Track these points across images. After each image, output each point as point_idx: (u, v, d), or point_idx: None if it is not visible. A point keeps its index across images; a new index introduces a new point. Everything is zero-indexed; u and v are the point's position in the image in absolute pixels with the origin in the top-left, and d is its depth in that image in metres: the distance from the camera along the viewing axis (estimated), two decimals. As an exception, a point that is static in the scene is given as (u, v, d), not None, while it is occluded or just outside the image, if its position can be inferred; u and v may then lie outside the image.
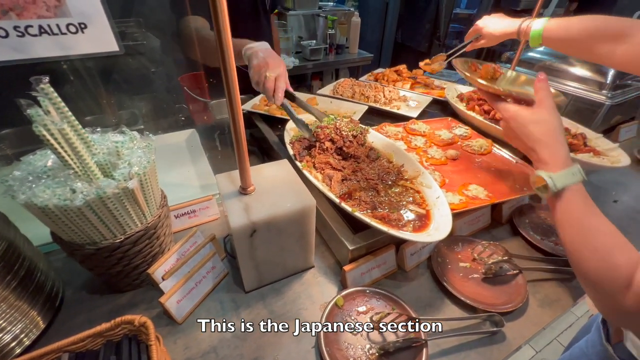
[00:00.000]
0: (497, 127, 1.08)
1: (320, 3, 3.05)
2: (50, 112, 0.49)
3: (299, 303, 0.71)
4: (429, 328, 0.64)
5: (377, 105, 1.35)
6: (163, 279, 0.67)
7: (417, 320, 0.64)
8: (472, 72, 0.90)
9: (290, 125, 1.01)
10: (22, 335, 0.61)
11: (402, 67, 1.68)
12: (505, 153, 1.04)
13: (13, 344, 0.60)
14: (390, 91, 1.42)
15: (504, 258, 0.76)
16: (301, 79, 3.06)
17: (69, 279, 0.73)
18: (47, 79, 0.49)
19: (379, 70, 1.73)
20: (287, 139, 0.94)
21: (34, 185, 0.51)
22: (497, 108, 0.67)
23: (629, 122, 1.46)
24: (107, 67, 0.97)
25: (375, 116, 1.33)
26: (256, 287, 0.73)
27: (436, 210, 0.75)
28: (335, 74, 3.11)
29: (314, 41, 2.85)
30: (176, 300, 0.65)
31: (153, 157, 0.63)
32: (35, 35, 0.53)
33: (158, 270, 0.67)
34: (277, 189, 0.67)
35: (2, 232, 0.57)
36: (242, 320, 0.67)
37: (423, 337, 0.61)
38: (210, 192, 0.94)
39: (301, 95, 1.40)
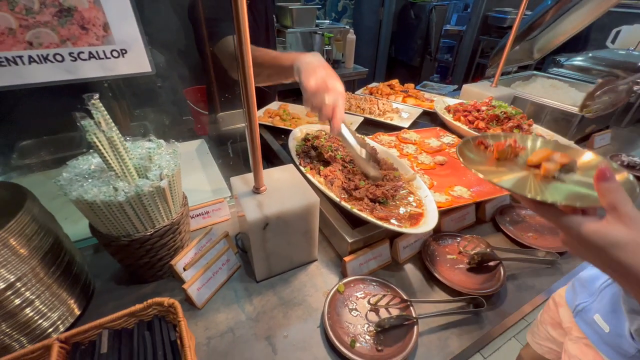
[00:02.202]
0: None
1: (317, 21, 3.23)
2: (101, 123, 0.59)
3: (305, 291, 0.79)
4: (419, 309, 0.73)
5: (372, 117, 1.47)
6: (184, 270, 0.75)
7: (409, 302, 0.73)
8: (480, 154, 0.67)
9: (294, 134, 1.12)
10: (58, 322, 0.69)
11: (395, 82, 1.81)
12: (488, 159, 1.15)
13: (50, 329, 0.68)
14: (383, 104, 1.54)
15: (486, 249, 0.85)
16: (299, 92, 3.20)
17: (97, 272, 0.82)
18: (97, 95, 0.60)
19: (374, 84, 1.86)
20: (291, 148, 1.04)
21: (83, 185, 0.61)
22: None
23: (603, 131, 1.59)
24: (128, 84, 1.08)
25: (370, 126, 1.44)
26: (266, 277, 0.82)
27: (425, 208, 0.85)
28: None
29: (312, 57, 3.01)
30: (196, 287, 0.74)
31: (179, 162, 0.73)
32: (85, 60, 0.64)
33: (179, 262, 0.76)
34: (285, 189, 0.77)
35: (51, 228, 0.66)
36: (254, 305, 0.75)
37: (414, 316, 0.70)
38: (221, 195, 1.03)
39: (300, 108, 1.52)
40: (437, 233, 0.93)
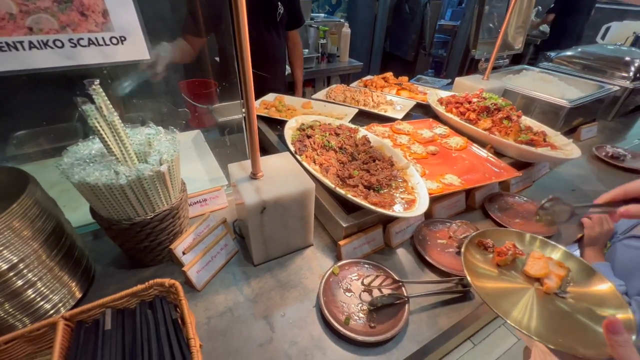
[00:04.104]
0: (472, 126, 1.23)
1: (312, 14, 3.23)
2: (102, 108, 0.60)
3: (301, 274, 0.82)
4: (410, 290, 0.77)
5: (367, 109, 1.49)
6: (184, 253, 0.78)
7: (400, 282, 0.76)
8: (481, 255, 0.75)
9: (290, 124, 1.14)
10: (60, 304, 0.71)
11: (389, 75, 1.83)
12: (478, 149, 1.19)
13: (52, 311, 0.69)
14: (378, 96, 1.56)
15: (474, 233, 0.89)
16: (294, 86, 3.21)
17: (97, 257, 0.83)
18: (97, 81, 0.61)
19: (368, 77, 1.88)
20: (287, 138, 1.06)
21: (85, 168, 0.62)
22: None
23: (590, 123, 1.64)
24: (125, 73, 1.08)
25: (365, 118, 1.47)
26: (263, 261, 0.84)
27: (417, 194, 0.88)
28: (327, 81, 3.27)
29: (307, 50, 3.01)
30: (196, 270, 0.76)
31: (178, 148, 0.74)
32: (84, 46, 0.65)
33: (179, 246, 0.78)
34: (282, 175, 0.79)
35: (53, 212, 0.68)
36: (252, 287, 0.78)
37: (405, 295, 0.74)
38: (218, 184, 1.05)
39: (296, 100, 1.53)
40: (429, 219, 0.97)
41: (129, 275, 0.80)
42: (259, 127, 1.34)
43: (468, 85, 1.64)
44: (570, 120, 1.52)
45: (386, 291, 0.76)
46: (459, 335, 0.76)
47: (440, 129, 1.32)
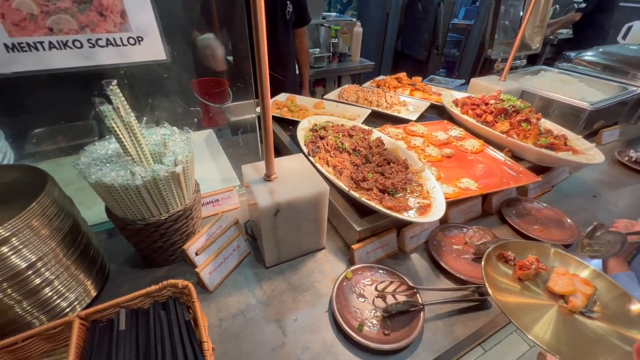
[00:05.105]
0: (489, 129, 1.20)
1: (323, 14, 3.21)
2: (119, 109, 0.60)
3: (313, 277, 0.81)
4: (425, 297, 0.75)
5: (379, 109, 1.47)
6: (196, 254, 0.77)
7: (415, 289, 0.75)
8: (502, 269, 0.72)
9: (302, 125, 1.13)
10: (75, 303, 0.71)
11: (403, 75, 1.81)
12: (495, 152, 1.16)
13: (68, 309, 0.70)
14: (391, 96, 1.54)
15: (491, 240, 0.87)
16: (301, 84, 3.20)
17: (112, 256, 0.84)
18: (115, 81, 0.61)
19: (381, 77, 1.86)
20: (300, 139, 1.05)
21: (102, 169, 0.63)
22: None
23: (611, 126, 1.58)
24: (138, 73, 1.09)
25: (378, 119, 1.45)
26: (275, 263, 0.84)
27: (433, 198, 0.86)
28: (337, 81, 3.25)
29: (318, 50, 3.00)
30: (208, 271, 0.76)
31: (192, 148, 0.74)
32: (102, 47, 0.65)
33: (192, 247, 0.78)
34: (295, 177, 0.79)
35: (70, 211, 0.68)
36: (264, 290, 0.77)
37: (421, 303, 0.72)
38: (231, 184, 1.05)
39: (308, 100, 1.52)
40: (444, 224, 0.95)
41: (142, 275, 0.80)
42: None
43: (484, 86, 1.60)
44: (591, 123, 1.47)
45: (400, 298, 0.74)
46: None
47: (456, 131, 1.29)
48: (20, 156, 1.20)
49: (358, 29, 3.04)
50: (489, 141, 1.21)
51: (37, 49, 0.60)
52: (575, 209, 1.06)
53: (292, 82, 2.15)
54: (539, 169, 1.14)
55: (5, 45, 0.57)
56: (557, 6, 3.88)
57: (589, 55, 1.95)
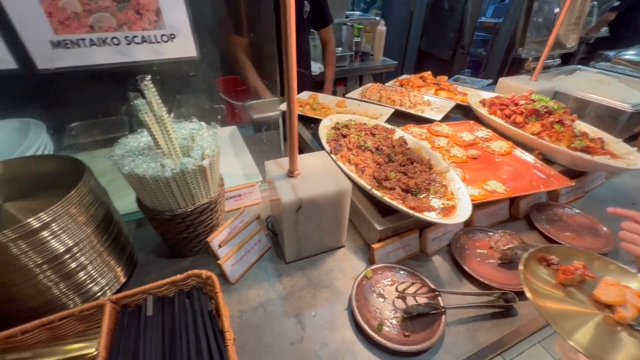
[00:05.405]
0: (518, 130, 1.15)
1: (347, 12, 3.19)
2: (152, 103, 0.63)
3: (333, 274, 0.81)
4: (447, 301, 0.73)
5: (403, 109, 1.45)
6: (219, 247, 0.79)
7: (437, 292, 0.73)
8: (542, 272, 0.69)
9: (324, 123, 1.13)
10: (106, 287, 0.75)
11: (427, 74, 1.77)
12: (524, 155, 1.11)
13: (99, 294, 0.74)
14: (415, 96, 1.51)
15: (519, 245, 0.83)
16: (323, 84, 3.20)
17: (139, 245, 0.88)
18: (149, 77, 0.63)
19: (404, 76, 1.83)
20: (322, 136, 1.06)
21: (134, 161, 0.65)
22: None
23: (654, 130, 1.48)
24: (168, 70, 1.13)
25: (400, 118, 1.43)
26: (295, 259, 0.84)
27: (458, 200, 0.84)
28: (359, 80, 3.23)
29: (340, 49, 2.99)
30: (230, 264, 0.78)
31: (219, 143, 0.76)
32: (138, 43, 0.68)
33: (215, 239, 0.80)
34: (318, 174, 0.79)
35: (104, 200, 0.72)
36: (284, 285, 0.78)
37: (443, 306, 0.70)
38: (253, 180, 1.07)
39: (330, 99, 1.52)
40: (468, 227, 0.92)
41: (167, 264, 0.83)
42: (292, 125, 1.35)
43: (513, 86, 1.54)
44: (631, 126, 1.38)
45: (421, 299, 0.73)
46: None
47: (482, 132, 1.25)
48: (59, 148, 1.27)
49: (382, 27, 3.00)
50: (518, 143, 1.16)
51: (78, 45, 0.64)
52: (611, 216, 0.99)
53: (309, 80, 2.16)
54: (572, 174, 1.08)
55: (52, 42, 0.61)
56: (596, 2, 3.66)
57: (630, 54, 1.83)
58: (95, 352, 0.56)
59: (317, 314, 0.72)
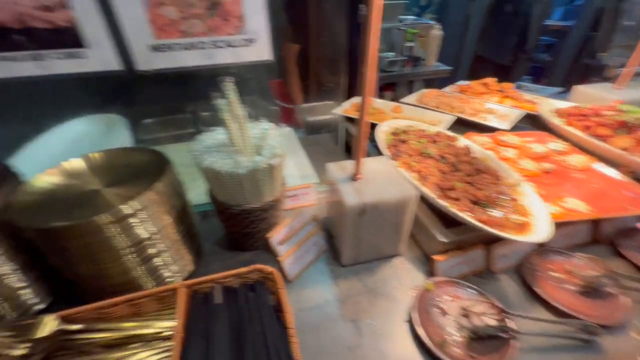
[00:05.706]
0: (602, 144, 1.04)
1: (400, 17, 3.14)
2: (232, 104, 0.66)
3: (390, 283, 0.79)
4: (519, 324, 0.67)
5: (463, 116, 1.38)
6: (279, 244, 0.82)
7: (507, 314, 0.67)
8: None
9: (381, 128, 1.11)
10: (177, 274, 0.80)
11: (490, 80, 1.67)
12: (605, 170, 0.99)
13: (171, 279, 0.79)
14: (478, 103, 1.43)
15: (606, 274, 0.74)
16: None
17: (205, 237, 0.93)
18: (232, 79, 0.67)
19: (464, 82, 1.74)
20: (380, 142, 1.04)
21: (212, 156, 0.70)
22: None
23: None
24: (239, 72, 1.20)
25: (460, 126, 1.36)
26: (352, 263, 0.84)
27: (532, 216, 0.77)
28: (409, 86, 3.15)
29: (392, 53, 2.94)
30: (289, 262, 0.80)
31: (286, 144, 0.78)
32: (221, 47, 0.73)
33: (275, 236, 0.82)
34: (381, 179, 0.78)
35: (181, 192, 0.78)
36: (340, 288, 0.78)
37: (515, 330, 0.65)
38: (308, 181, 1.08)
39: (384, 103, 1.50)
40: (542, 247, 0.84)
41: (230, 257, 0.87)
42: (346, 129, 1.35)
43: (592, 94, 1.39)
44: None
45: (488, 320, 0.68)
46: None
47: (556, 144, 1.14)
48: (135, 142, 1.41)
49: (436, 32, 2.90)
50: (600, 158, 1.05)
51: (172, 49, 0.70)
52: None
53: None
54: (670, 196, 0.94)
55: (152, 46, 0.67)
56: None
57: None
58: (172, 332, 0.60)
59: (374, 321, 0.71)
